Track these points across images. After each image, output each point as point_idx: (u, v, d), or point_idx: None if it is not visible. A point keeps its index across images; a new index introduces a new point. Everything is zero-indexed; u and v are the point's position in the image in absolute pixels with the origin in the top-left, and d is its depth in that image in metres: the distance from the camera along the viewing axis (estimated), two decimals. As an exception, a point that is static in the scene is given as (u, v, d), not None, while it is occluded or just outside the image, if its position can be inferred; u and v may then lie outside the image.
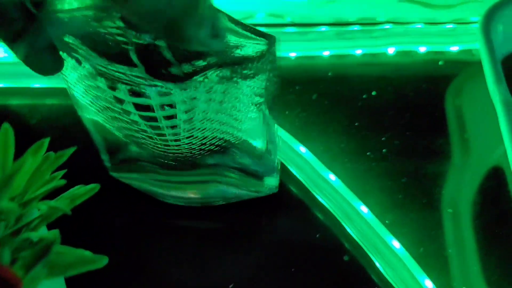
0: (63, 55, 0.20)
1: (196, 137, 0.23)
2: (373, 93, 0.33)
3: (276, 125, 0.25)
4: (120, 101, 0.21)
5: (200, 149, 0.24)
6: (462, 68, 0.34)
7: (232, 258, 0.27)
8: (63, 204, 0.17)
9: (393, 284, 0.26)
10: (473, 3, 0.35)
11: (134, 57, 0.19)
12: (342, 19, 0.36)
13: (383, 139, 0.31)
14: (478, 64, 0.32)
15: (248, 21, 0.36)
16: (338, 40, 0.35)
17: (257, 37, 0.20)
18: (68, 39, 0.19)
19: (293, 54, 0.35)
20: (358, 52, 0.35)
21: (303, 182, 0.29)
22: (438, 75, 0.34)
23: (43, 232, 0.18)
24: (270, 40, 0.20)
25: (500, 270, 0.27)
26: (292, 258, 0.27)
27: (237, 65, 0.20)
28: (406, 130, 0.31)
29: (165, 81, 0.19)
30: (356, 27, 0.35)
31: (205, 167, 0.26)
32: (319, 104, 0.32)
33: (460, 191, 0.30)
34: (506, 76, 0.32)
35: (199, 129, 0.22)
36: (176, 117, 0.21)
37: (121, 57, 0.19)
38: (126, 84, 0.20)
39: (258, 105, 0.22)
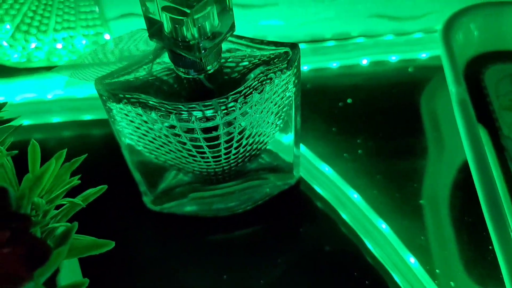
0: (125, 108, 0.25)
1: (245, 146, 0.28)
2: (349, 100, 0.39)
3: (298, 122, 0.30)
4: (173, 129, 0.25)
5: (245, 157, 0.29)
6: (431, 73, 0.40)
7: (259, 267, 0.31)
8: (78, 200, 0.23)
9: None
10: (437, 14, 0.41)
11: (206, 83, 0.25)
12: (319, 36, 0.42)
13: (358, 141, 0.37)
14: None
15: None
16: (315, 55, 0.41)
17: (282, 46, 0.26)
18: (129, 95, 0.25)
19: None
20: (334, 65, 0.41)
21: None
22: (409, 81, 0.40)
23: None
24: (293, 46, 0.26)
25: (471, 251, 0.32)
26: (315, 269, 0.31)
27: (273, 60, 0.26)
28: (379, 132, 0.37)
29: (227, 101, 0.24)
30: (331, 43, 0.41)
31: (247, 173, 0.32)
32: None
33: (432, 184, 0.35)
34: (469, 79, 0.38)
35: (247, 137, 0.28)
36: (233, 132, 0.26)
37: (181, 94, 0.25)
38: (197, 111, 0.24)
39: (288, 106, 0.28)
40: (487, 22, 0.38)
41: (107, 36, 0.41)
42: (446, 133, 0.37)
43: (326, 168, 0.34)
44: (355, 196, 0.32)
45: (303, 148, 0.35)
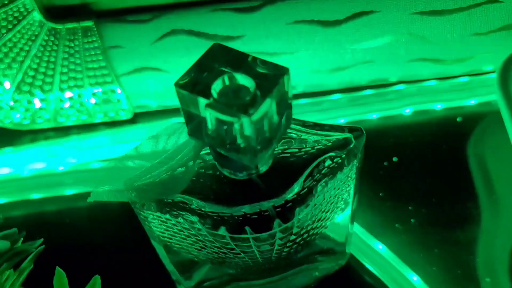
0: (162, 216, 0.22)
1: (298, 241, 0.25)
2: (394, 159, 0.36)
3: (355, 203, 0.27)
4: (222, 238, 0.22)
5: (296, 251, 0.26)
6: (482, 122, 0.37)
7: None
8: None
9: None
10: (486, 55, 0.38)
11: (259, 182, 0.22)
12: (354, 83, 0.39)
13: (410, 208, 0.34)
14: (497, 114, 0.35)
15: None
16: (352, 107, 0.38)
17: (341, 132, 0.23)
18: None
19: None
20: (374, 116, 0.38)
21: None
22: (458, 132, 0.37)
23: None
24: (355, 131, 0.23)
25: None
26: None
27: (339, 150, 0.23)
28: (431, 195, 0.34)
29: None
30: (369, 91, 0.38)
31: (296, 261, 0.28)
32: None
33: (495, 257, 0.32)
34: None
35: (303, 233, 0.24)
36: (291, 234, 0.23)
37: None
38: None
39: (348, 195, 0.25)
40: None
41: (118, 90, 0.37)
42: (501, 192, 0.34)
43: (379, 246, 0.31)
44: (414, 278, 0.29)
45: (350, 220, 0.32)
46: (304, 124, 0.24)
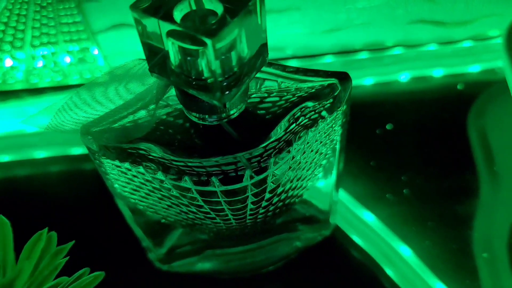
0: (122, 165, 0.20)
1: (275, 202, 0.23)
2: (388, 126, 0.33)
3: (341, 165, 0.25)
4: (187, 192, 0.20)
5: (274, 214, 0.24)
6: (484, 91, 0.35)
7: None
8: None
9: None
10: (492, 17, 0.35)
11: (230, 129, 0.20)
12: (348, 46, 0.36)
13: (402, 178, 0.31)
14: (502, 83, 0.32)
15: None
16: (346, 71, 0.35)
17: (327, 77, 0.21)
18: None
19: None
20: (368, 82, 0.35)
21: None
22: (458, 101, 0.34)
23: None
24: (342, 77, 0.21)
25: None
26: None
27: (316, 97, 0.20)
28: (426, 166, 0.32)
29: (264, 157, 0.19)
30: (364, 55, 0.36)
31: (276, 228, 0.26)
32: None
33: (492, 232, 0.30)
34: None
35: (280, 193, 0.22)
36: (264, 191, 0.21)
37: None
38: (216, 173, 0.19)
39: (332, 150, 0.23)
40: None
41: (95, 52, 0.35)
42: (501, 165, 0.31)
43: (367, 215, 0.28)
44: (405, 251, 0.27)
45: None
46: (285, 69, 0.22)
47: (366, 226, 0.28)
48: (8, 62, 0.35)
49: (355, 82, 0.34)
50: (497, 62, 0.34)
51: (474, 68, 0.35)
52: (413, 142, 0.32)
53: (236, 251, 0.27)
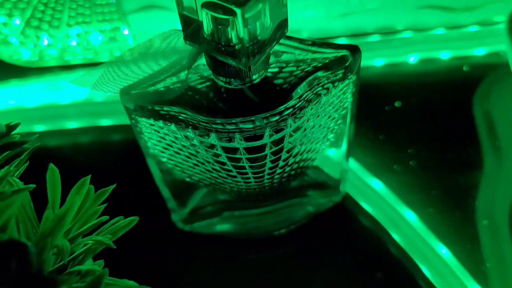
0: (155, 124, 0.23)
1: (292, 164, 0.25)
2: (397, 104, 0.36)
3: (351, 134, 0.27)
4: (212, 148, 0.23)
5: (290, 175, 0.26)
6: (489, 72, 0.37)
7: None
8: (106, 237, 0.20)
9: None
10: (497, 4, 0.37)
11: (250, 94, 0.22)
12: (360, 29, 0.39)
13: (409, 151, 0.34)
14: (506, 66, 0.34)
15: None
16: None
17: (339, 49, 0.23)
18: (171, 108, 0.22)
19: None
20: (379, 63, 0.38)
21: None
22: (464, 82, 0.36)
23: (89, 264, 0.21)
24: (353, 49, 0.23)
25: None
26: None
27: (329, 67, 0.23)
28: (432, 140, 0.34)
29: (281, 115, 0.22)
30: (374, 38, 0.38)
31: (290, 192, 0.29)
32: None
33: (494, 202, 0.32)
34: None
35: (296, 155, 0.25)
36: (282, 150, 0.23)
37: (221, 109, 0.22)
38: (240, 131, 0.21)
39: (343, 118, 0.25)
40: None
41: (125, 32, 0.38)
42: (504, 141, 0.34)
43: (375, 183, 0.31)
44: (410, 216, 0.30)
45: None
46: (302, 41, 0.24)
47: (374, 193, 0.31)
48: (46, 41, 0.38)
49: (367, 62, 0.37)
50: (501, 46, 0.36)
51: (479, 51, 0.37)
52: (420, 119, 0.35)
53: (252, 213, 0.30)
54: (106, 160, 0.35)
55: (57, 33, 0.38)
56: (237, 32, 0.19)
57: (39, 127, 0.36)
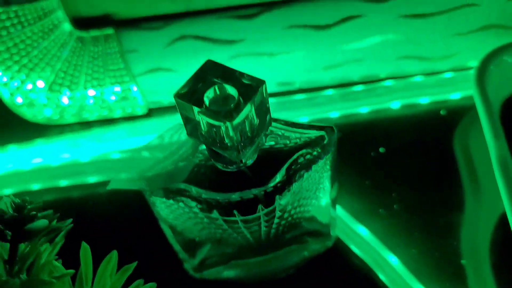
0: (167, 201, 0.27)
1: (283, 224, 0.30)
2: (381, 150, 0.39)
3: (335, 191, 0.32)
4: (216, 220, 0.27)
5: (283, 231, 0.31)
6: (465, 115, 0.40)
7: None
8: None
9: None
10: (471, 51, 0.41)
11: (247, 172, 0.26)
12: (346, 79, 0.43)
13: (393, 195, 0.37)
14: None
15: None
16: (344, 101, 0.41)
17: (317, 130, 0.27)
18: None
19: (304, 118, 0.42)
20: (364, 110, 0.41)
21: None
22: (442, 124, 0.40)
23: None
24: (328, 130, 0.27)
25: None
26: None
27: (311, 146, 0.27)
28: (414, 183, 0.38)
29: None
30: (359, 87, 0.42)
31: (285, 242, 0.33)
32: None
33: (475, 240, 0.36)
34: (505, 120, 0.38)
35: (287, 217, 0.29)
36: (274, 217, 0.28)
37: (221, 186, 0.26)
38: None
39: (325, 183, 0.29)
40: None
41: (134, 88, 0.42)
42: (484, 182, 0.37)
43: (362, 229, 0.35)
44: (392, 260, 0.34)
45: (338, 206, 0.36)
46: (286, 123, 0.28)
47: (361, 238, 0.35)
48: (65, 101, 0.43)
49: (352, 110, 0.41)
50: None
51: (455, 96, 0.40)
52: (404, 162, 0.39)
53: (255, 261, 0.34)
54: (124, 209, 0.39)
55: (75, 94, 0.43)
56: (228, 135, 0.23)
57: (64, 182, 0.41)
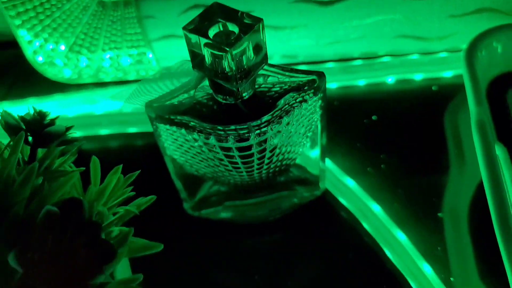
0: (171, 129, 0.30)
1: (275, 161, 0.32)
2: (374, 117, 0.42)
3: (324, 139, 0.34)
4: (212, 147, 0.30)
5: (275, 171, 0.34)
6: (454, 91, 0.43)
7: (287, 269, 0.35)
8: (133, 208, 0.27)
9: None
10: (462, 34, 0.44)
11: (242, 107, 0.30)
12: (346, 55, 0.46)
13: (381, 157, 0.40)
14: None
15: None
16: (343, 74, 0.45)
17: (310, 75, 0.31)
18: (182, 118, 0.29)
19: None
20: (361, 83, 0.45)
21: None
22: (433, 99, 0.43)
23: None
24: (320, 74, 0.31)
25: (485, 262, 0.35)
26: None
27: (303, 89, 0.30)
28: (402, 148, 0.41)
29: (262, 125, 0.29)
30: (358, 62, 0.45)
31: (277, 185, 0.36)
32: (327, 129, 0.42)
33: (451, 199, 0.38)
34: (493, 97, 0.41)
35: (278, 154, 0.32)
36: (265, 150, 0.31)
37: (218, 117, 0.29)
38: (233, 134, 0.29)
39: (314, 127, 0.33)
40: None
41: (150, 55, 0.46)
42: (467, 150, 0.40)
43: (350, 182, 0.38)
44: (376, 208, 0.36)
45: (329, 162, 0.39)
46: (283, 68, 0.31)
47: (348, 189, 0.37)
48: (84, 61, 0.47)
49: (350, 83, 0.44)
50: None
51: (447, 74, 0.43)
52: (395, 130, 0.41)
53: (248, 203, 0.37)
54: (132, 160, 0.43)
55: (93, 56, 0.46)
56: (229, 64, 0.27)
57: (78, 133, 0.44)
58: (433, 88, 0.43)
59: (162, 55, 0.46)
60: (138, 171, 0.28)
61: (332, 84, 0.44)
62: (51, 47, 0.46)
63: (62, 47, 0.46)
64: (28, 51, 0.46)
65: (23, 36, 0.45)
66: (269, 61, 0.46)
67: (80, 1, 0.44)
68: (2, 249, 0.21)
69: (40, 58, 0.47)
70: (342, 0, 0.42)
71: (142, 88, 0.31)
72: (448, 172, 0.39)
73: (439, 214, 0.36)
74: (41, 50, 0.46)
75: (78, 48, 0.46)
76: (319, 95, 0.30)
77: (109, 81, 0.48)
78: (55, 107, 0.46)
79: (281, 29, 0.44)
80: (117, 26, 0.45)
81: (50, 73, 0.48)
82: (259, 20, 0.27)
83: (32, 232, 0.21)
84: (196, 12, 0.44)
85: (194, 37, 0.27)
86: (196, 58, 0.28)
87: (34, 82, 0.48)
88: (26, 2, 0.43)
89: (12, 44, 0.48)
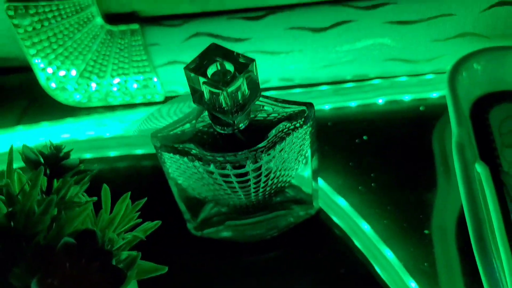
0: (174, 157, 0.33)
1: (270, 185, 0.35)
2: (364, 137, 0.45)
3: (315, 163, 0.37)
4: (212, 174, 0.33)
5: (270, 193, 0.37)
6: (441, 111, 0.46)
7: (284, 284, 0.38)
8: (140, 233, 0.30)
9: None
10: (449, 56, 0.47)
11: (239, 136, 0.33)
12: (339, 77, 0.49)
13: (372, 175, 0.43)
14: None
15: (264, 85, 0.50)
16: (336, 96, 0.47)
17: (300, 105, 0.33)
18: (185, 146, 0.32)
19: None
20: (353, 104, 0.47)
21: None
22: (420, 119, 0.46)
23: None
24: (309, 105, 0.33)
25: (469, 276, 0.38)
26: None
27: (294, 118, 0.33)
28: (392, 167, 0.43)
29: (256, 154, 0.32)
30: (350, 84, 0.48)
31: (274, 205, 0.39)
32: (320, 149, 0.45)
33: (438, 216, 0.40)
34: (475, 117, 0.44)
35: (272, 178, 0.35)
36: (261, 175, 0.33)
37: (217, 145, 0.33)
38: (229, 163, 0.32)
39: (305, 152, 0.35)
40: (493, 64, 0.44)
41: (155, 80, 0.49)
42: (453, 168, 0.42)
43: (342, 201, 0.40)
44: (365, 227, 0.39)
45: (323, 181, 0.42)
46: (276, 99, 0.34)
47: (340, 209, 0.40)
48: (94, 86, 0.50)
49: (343, 104, 0.47)
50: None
51: (434, 94, 0.46)
52: (385, 149, 0.44)
53: (247, 222, 0.40)
54: (139, 180, 0.46)
55: (102, 81, 0.49)
56: (225, 99, 0.29)
57: (88, 155, 0.48)
58: (421, 108, 0.46)
59: (167, 79, 0.49)
60: (145, 199, 0.31)
61: (325, 106, 0.47)
62: (63, 73, 0.49)
63: (73, 73, 0.49)
64: (41, 78, 0.49)
65: (37, 64, 0.49)
66: (267, 84, 0.49)
67: (90, 30, 0.47)
68: (26, 276, 0.24)
69: (53, 85, 0.50)
70: (334, 26, 0.45)
71: (149, 120, 0.34)
72: (435, 190, 0.41)
73: (425, 231, 0.39)
74: (53, 76, 0.49)
75: (88, 74, 0.49)
76: (308, 123, 0.33)
77: (117, 105, 0.51)
78: (66, 130, 0.49)
79: (278, 54, 0.47)
80: (124, 53, 0.48)
81: (62, 97, 0.51)
82: (252, 60, 0.30)
83: (52, 260, 0.24)
84: (198, 40, 0.47)
85: (194, 76, 0.30)
86: (196, 93, 0.31)
87: (47, 105, 0.51)
88: (40, 34, 0.46)
89: (25, 69, 0.51)
